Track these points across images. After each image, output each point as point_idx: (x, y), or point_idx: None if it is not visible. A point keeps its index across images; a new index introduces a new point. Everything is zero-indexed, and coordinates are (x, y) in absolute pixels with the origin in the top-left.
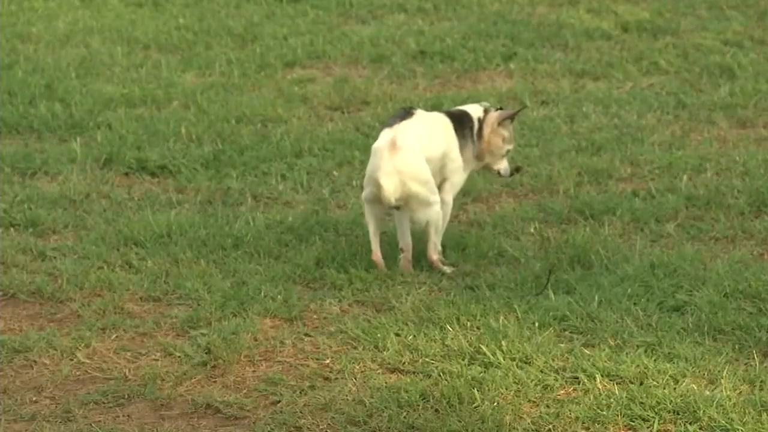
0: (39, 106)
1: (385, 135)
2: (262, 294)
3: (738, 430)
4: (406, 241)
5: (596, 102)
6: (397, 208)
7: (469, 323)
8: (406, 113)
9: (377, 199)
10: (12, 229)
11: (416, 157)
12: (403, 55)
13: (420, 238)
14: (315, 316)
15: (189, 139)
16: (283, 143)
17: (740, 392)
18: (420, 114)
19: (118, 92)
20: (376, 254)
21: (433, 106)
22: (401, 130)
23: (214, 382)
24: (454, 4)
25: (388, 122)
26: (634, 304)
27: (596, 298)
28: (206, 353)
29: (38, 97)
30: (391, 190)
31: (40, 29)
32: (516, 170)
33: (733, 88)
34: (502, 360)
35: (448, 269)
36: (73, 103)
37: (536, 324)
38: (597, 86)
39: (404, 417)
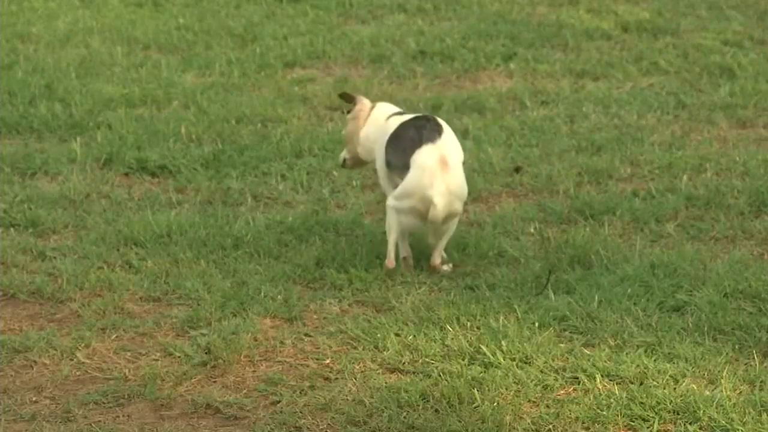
0: (39, 106)
1: (431, 152)
2: (262, 294)
3: (738, 430)
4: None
5: (596, 102)
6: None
7: (469, 323)
8: (437, 125)
9: (421, 215)
10: (12, 229)
11: (462, 176)
12: (403, 55)
13: (420, 238)
14: (315, 316)
15: (189, 139)
16: (283, 143)
17: (740, 392)
18: (442, 122)
19: (118, 92)
20: (392, 262)
21: (433, 107)
22: (444, 146)
23: (214, 382)
24: (454, 4)
25: (426, 136)
26: (634, 304)
27: (596, 298)
28: (206, 353)
29: (38, 97)
30: (442, 208)
31: (40, 29)
32: (516, 170)
33: (733, 88)
34: (502, 360)
35: (447, 267)
36: (73, 103)
37: (536, 324)
38: (597, 86)
39: (404, 417)
